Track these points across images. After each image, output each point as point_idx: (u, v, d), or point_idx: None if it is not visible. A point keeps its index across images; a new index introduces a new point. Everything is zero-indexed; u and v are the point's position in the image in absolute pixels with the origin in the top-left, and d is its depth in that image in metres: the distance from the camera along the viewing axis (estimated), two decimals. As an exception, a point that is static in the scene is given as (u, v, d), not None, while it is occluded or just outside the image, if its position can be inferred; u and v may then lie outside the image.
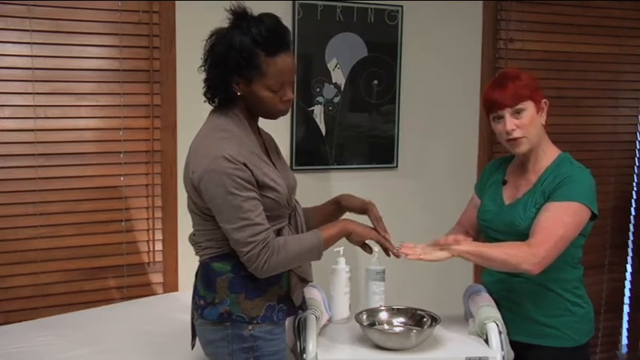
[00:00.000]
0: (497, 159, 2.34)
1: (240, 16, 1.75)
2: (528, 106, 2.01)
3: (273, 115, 1.83)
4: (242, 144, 1.75)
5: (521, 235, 1.98)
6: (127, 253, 2.69)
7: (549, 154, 2.08)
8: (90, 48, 2.57)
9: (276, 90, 1.76)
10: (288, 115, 2.76)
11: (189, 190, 1.78)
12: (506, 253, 1.94)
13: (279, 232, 1.81)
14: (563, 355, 2.06)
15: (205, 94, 1.82)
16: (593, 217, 1.99)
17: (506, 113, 2.01)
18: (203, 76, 1.81)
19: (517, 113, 2.00)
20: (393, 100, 3.06)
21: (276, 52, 1.73)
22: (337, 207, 2.04)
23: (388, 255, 1.94)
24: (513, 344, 2.04)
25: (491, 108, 2.05)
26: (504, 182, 2.17)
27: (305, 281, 1.91)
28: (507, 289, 2.12)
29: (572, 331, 2.07)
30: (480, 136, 3.25)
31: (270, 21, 1.74)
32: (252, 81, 1.74)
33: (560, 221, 1.93)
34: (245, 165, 1.70)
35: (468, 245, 1.98)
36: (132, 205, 2.68)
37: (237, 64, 1.72)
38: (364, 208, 1.97)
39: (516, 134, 2.01)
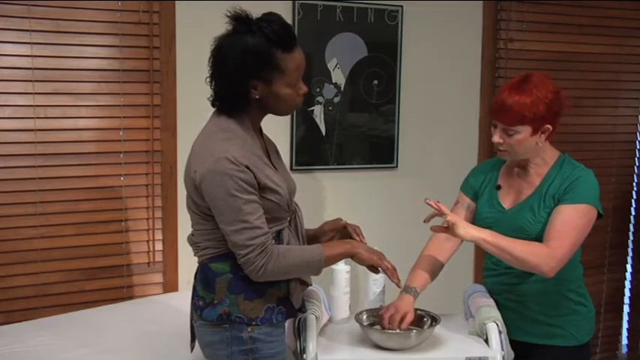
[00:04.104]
0: (488, 161, 2.31)
1: (244, 20, 1.73)
2: (522, 130, 1.95)
3: (290, 110, 1.86)
4: (245, 145, 1.74)
5: (530, 239, 1.97)
6: (127, 253, 2.69)
7: (549, 157, 2.07)
8: (90, 48, 2.57)
9: (295, 85, 1.78)
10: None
11: (190, 189, 1.78)
12: (529, 252, 1.92)
13: (278, 234, 1.81)
14: (566, 353, 2.07)
15: (214, 103, 1.79)
16: (599, 216, 2.00)
17: (499, 126, 2.00)
18: (203, 76, 1.79)
19: (509, 132, 1.97)
20: (393, 100, 3.06)
21: (291, 48, 1.75)
22: (316, 241, 1.99)
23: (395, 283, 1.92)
24: (517, 344, 2.05)
25: (491, 111, 2.04)
26: (498, 187, 2.14)
27: (305, 284, 1.91)
28: (511, 290, 2.11)
29: (576, 329, 2.08)
30: (479, 136, 3.24)
31: (277, 19, 1.75)
32: (273, 81, 1.74)
33: (575, 225, 1.93)
34: (248, 167, 1.69)
35: (488, 234, 1.94)
36: (132, 205, 2.69)
37: (257, 67, 1.71)
38: (339, 225, 1.97)
39: (500, 147, 2.02)
